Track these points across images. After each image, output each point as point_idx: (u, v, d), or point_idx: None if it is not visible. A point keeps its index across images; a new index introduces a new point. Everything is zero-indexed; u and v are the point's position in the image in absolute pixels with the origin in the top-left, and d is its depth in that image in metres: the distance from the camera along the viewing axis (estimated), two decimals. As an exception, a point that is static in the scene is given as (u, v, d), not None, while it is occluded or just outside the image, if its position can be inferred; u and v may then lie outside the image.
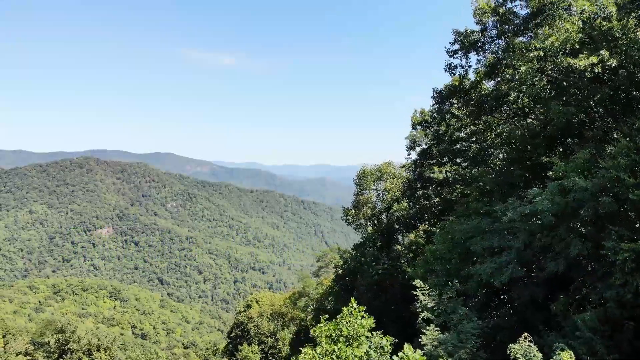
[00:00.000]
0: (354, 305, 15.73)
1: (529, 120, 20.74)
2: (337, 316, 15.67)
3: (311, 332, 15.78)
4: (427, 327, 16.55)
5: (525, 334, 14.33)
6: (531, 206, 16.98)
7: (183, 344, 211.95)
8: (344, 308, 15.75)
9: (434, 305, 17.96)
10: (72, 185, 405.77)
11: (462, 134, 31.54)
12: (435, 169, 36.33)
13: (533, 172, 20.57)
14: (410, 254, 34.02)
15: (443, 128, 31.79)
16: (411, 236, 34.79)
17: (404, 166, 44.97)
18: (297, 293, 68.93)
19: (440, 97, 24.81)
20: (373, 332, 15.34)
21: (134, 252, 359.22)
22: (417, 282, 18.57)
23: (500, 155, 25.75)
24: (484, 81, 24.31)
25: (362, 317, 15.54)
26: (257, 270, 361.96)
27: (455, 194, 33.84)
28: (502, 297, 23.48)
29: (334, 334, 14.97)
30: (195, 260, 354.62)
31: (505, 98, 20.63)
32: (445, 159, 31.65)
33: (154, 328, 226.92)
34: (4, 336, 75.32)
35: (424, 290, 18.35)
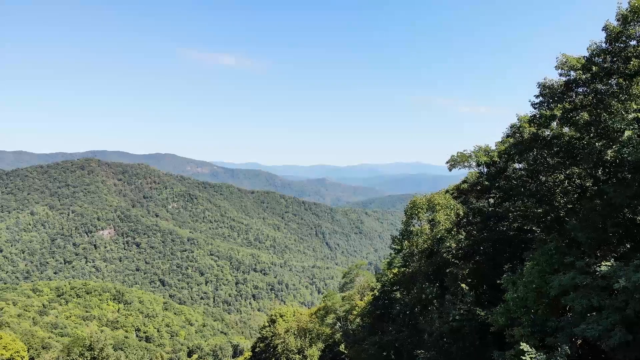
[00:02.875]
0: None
1: (620, 176, 21.08)
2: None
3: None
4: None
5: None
6: (648, 275, 17.23)
7: (188, 347, 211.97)
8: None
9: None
10: (73, 186, 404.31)
11: (521, 166, 31.83)
12: (482, 201, 36.47)
13: (626, 229, 20.88)
14: (466, 288, 34.18)
15: (502, 161, 32.08)
16: (466, 270, 34.95)
17: (447, 191, 45.15)
18: (323, 309, 69.05)
19: (523, 146, 25.15)
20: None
21: (135, 254, 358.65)
22: (524, 346, 18.74)
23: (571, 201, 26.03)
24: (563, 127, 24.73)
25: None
26: (258, 271, 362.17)
27: (512, 227, 34.08)
28: (580, 348, 23.68)
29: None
30: (196, 261, 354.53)
31: (600, 155, 20.97)
32: (504, 194, 31.88)
33: (157, 331, 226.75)
34: (27, 350, 75.17)
35: (532, 354, 18.51)
